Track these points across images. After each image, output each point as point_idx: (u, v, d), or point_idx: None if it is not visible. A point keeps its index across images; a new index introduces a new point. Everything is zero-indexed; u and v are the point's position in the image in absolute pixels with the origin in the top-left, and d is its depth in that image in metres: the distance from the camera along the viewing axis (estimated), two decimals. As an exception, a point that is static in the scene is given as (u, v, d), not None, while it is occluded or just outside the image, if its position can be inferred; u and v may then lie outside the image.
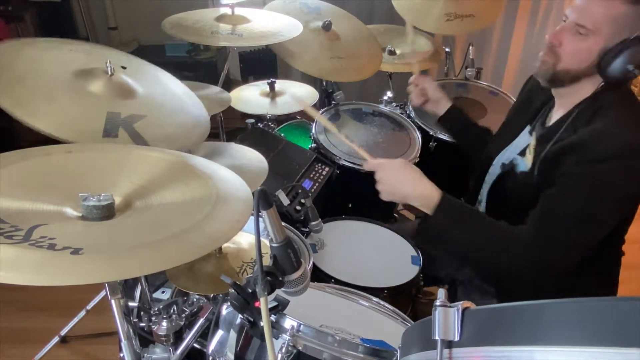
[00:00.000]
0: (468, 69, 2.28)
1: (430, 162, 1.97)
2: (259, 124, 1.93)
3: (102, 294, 1.96)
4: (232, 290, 0.90)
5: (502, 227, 1.21)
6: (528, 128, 1.41)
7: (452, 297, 1.54)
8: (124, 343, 0.93)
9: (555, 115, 1.31)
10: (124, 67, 1.23)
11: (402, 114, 2.09)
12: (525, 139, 1.39)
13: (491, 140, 1.59)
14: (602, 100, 1.18)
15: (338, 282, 1.37)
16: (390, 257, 1.55)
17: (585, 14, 1.12)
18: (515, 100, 1.61)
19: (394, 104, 2.16)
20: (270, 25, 1.82)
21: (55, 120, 1.03)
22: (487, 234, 1.22)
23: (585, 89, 1.20)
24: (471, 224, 1.23)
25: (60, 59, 1.18)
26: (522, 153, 1.28)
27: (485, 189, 1.50)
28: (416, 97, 1.74)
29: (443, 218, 1.22)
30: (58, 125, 1.02)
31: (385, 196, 1.26)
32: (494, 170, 1.47)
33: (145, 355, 1.19)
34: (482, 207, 1.51)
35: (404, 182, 1.25)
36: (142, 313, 1.28)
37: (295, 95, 2.04)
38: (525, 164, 1.26)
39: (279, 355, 0.93)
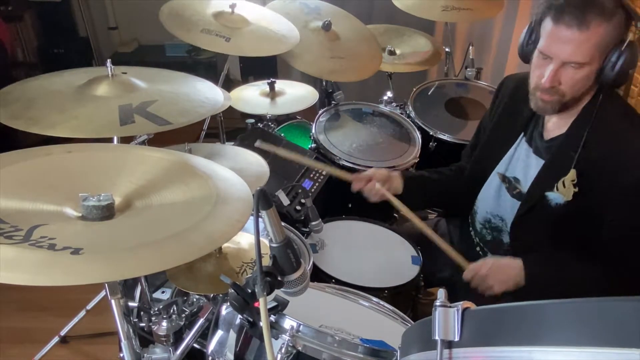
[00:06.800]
0: (468, 69, 2.29)
1: (430, 162, 1.96)
2: (259, 124, 1.93)
3: (102, 294, 1.96)
4: (231, 291, 0.90)
5: (592, 269, 1.26)
6: (523, 137, 1.39)
7: (452, 299, 1.53)
8: (124, 343, 0.93)
9: (551, 125, 1.31)
10: (124, 73, 1.28)
11: (402, 114, 2.09)
12: (524, 150, 1.38)
13: (480, 151, 1.53)
14: (602, 109, 1.22)
15: (338, 282, 1.37)
16: (390, 257, 1.55)
17: (574, 52, 1.13)
18: (494, 102, 1.54)
19: (394, 104, 2.16)
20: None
21: (71, 125, 1.10)
22: (581, 279, 1.27)
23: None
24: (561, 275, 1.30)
25: (62, 81, 1.27)
26: (552, 187, 1.27)
27: (483, 201, 1.49)
28: (374, 195, 1.50)
29: (536, 281, 1.29)
30: (75, 128, 1.09)
31: (501, 287, 1.32)
32: (493, 181, 1.46)
33: (145, 355, 1.19)
34: (478, 219, 1.51)
35: (505, 266, 1.33)
36: (142, 313, 1.28)
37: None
38: (560, 197, 1.26)
39: (279, 356, 0.93)
